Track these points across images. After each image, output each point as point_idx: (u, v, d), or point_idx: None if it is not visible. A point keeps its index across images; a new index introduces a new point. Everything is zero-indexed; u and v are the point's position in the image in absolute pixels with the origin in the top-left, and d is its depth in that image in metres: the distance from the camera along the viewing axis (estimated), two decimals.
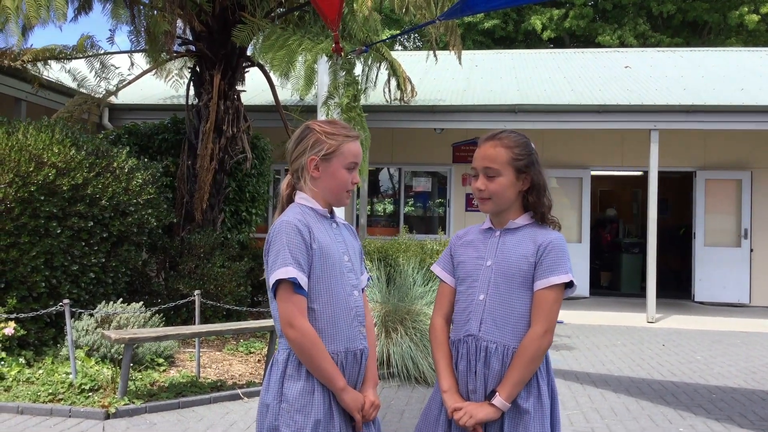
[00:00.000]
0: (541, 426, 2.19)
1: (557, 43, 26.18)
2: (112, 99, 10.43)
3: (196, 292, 6.10)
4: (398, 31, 19.25)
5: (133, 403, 5.12)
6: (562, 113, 10.92)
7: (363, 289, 2.36)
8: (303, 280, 2.11)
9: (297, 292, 2.12)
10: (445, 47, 9.49)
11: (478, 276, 2.27)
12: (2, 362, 5.62)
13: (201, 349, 6.63)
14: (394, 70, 10.53)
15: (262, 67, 9.06)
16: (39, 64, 8.71)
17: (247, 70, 9.05)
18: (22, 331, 5.88)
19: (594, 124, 10.96)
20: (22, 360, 5.80)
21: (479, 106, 11.10)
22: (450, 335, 2.34)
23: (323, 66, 7.04)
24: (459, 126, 11.41)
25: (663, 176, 11.87)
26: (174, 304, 6.83)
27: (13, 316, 5.80)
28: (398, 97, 10.95)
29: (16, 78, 8.93)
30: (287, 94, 10.08)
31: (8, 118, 6.99)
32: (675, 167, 12.47)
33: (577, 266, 12.54)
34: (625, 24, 24.76)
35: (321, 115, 6.83)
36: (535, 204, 2.29)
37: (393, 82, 10.83)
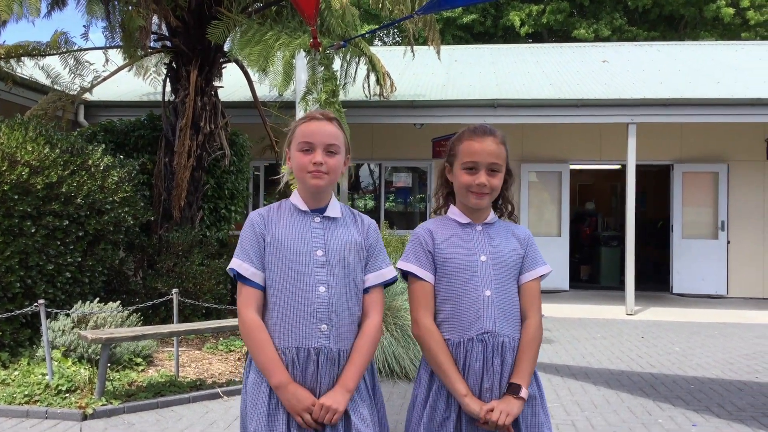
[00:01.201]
0: (543, 409, 2.28)
1: (535, 38, 26.25)
2: (87, 96, 10.29)
3: (174, 290, 6.04)
4: (377, 26, 19.17)
5: (111, 403, 5.05)
6: (540, 107, 10.94)
7: (368, 289, 2.24)
8: (247, 271, 2.15)
9: (244, 283, 2.16)
10: (424, 42, 9.47)
11: (476, 271, 2.25)
12: None
13: (180, 348, 6.58)
14: (373, 65, 10.48)
15: (239, 63, 8.97)
16: (12, 61, 8.54)
17: (224, 66, 8.95)
18: None
19: (573, 119, 10.99)
20: None
21: (459, 101, 11.10)
22: (450, 336, 2.25)
23: (301, 61, 6.98)
24: (439, 121, 11.37)
25: (641, 169, 11.99)
26: (152, 303, 6.75)
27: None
28: (378, 93, 10.91)
29: None
30: (265, 89, 10.00)
31: None
32: (653, 160, 12.57)
33: (557, 260, 12.62)
34: (602, 18, 24.92)
35: (299, 111, 6.78)
36: (508, 198, 2.40)
37: (372, 78, 10.79)
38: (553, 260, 12.76)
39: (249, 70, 8.80)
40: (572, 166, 13.09)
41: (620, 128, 10.96)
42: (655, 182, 14.72)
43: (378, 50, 14.45)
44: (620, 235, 15.23)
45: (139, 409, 5.11)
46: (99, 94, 10.79)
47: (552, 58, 14.98)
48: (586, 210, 15.63)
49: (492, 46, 17.18)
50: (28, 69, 9.08)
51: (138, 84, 11.18)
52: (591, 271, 14.82)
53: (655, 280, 14.21)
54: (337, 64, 10.50)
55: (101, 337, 4.98)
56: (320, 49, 6.66)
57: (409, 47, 9.96)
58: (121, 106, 11.19)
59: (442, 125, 11.87)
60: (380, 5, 7.45)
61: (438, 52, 9.60)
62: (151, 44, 8.33)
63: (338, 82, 7.20)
